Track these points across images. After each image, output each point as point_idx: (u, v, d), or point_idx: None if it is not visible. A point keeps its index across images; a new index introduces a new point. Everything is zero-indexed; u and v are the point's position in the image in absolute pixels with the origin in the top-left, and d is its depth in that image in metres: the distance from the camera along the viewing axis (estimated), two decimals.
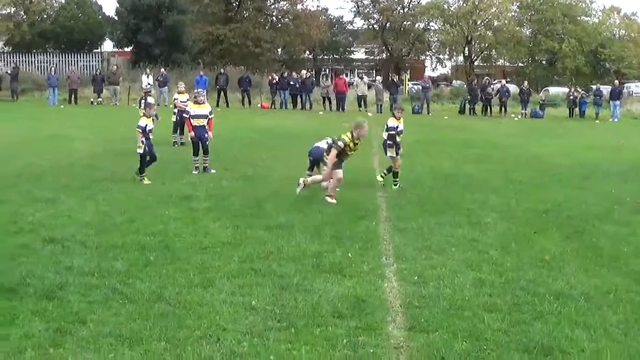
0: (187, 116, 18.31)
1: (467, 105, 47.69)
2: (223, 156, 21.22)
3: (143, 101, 18.90)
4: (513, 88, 54.81)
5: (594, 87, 52.09)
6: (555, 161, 22.35)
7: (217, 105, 44.97)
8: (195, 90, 19.35)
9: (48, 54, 59.11)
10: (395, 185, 16.41)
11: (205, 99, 18.80)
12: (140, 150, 16.29)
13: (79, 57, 57.49)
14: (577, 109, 47.51)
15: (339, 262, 10.11)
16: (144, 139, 16.31)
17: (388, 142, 16.29)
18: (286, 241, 11.20)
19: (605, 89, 50.07)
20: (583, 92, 50.96)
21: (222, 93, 46.37)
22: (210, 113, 18.54)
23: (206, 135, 18.24)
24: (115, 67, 48.84)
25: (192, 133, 18.21)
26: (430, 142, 26.57)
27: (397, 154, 16.37)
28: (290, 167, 18.97)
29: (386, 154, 16.46)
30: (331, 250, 10.75)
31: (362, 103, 46.53)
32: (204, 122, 18.25)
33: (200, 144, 18.20)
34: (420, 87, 51.37)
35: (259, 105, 47.69)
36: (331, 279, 9.34)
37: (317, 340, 7.24)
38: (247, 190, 15.59)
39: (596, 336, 7.61)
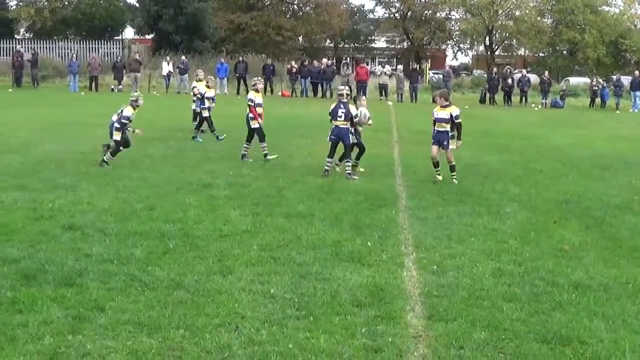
0: (252, 104, 18.25)
1: (488, 95, 47.48)
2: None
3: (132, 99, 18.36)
4: (534, 78, 54.56)
5: (614, 77, 51.69)
6: (576, 151, 22.22)
7: (238, 93, 45.01)
8: (256, 78, 19.32)
9: (69, 40, 59.34)
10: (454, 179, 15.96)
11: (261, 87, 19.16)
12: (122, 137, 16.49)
13: (99, 44, 57.54)
14: (598, 99, 47.20)
15: (358, 251, 10.10)
16: (129, 128, 16.67)
17: (450, 133, 15.89)
18: (305, 229, 11.19)
19: (626, 80, 49.70)
20: (604, 82, 50.61)
21: (241, 81, 46.36)
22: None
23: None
24: (137, 54, 48.92)
25: (258, 120, 18.18)
26: None
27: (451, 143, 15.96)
28: (311, 156, 18.97)
29: (448, 146, 15.83)
30: (350, 239, 10.74)
31: (383, 92, 46.42)
32: (261, 110, 18.52)
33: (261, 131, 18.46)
34: (441, 76, 51.19)
35: (280, 93, 47.69)
36: (350, 267, 9.33)
37: (336, 329, 7.23)
38: (267, 179, 15.59)
39: (615, 327, 7.57)
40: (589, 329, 7.45)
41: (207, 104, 22.15)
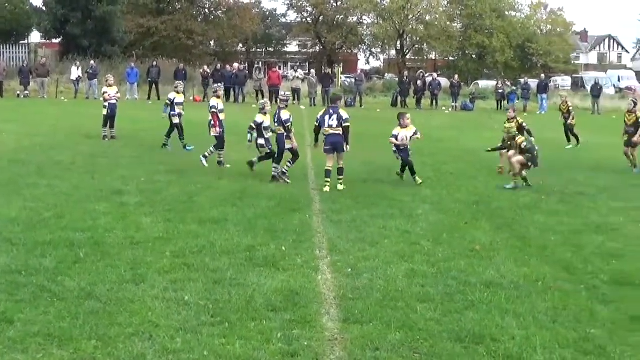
0: (216, 111, 18.39)
1: (399, 98, 48.02)
2: (155, 149, 21.02)
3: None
4: (444, 81, 55.41)
5: (522, 80, 52.98)
6: (485, 153, 22.61)
7: (149, 99, 44.48)
8: (216, 85, 19.34)
9: None
10: None
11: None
12: None
13: (4, 48, 55.91)
14: (505, 102, 48.21)
15: (273, 256, 10.09)
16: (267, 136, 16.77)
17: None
18: (219, 235, 11.13)
19: (533, 83, 50.97)
20: (510, 85, 51.78)
21: (153, 86, 45.81)
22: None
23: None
24: (44, 58, 47.84)
25: (218, 128, 18.35)
26: (362, 135, 26.66)
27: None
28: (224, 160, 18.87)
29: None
30: (265, 244, 10.72)
31: (296, 96, 46.52)
32: (223, 116, 18.74)
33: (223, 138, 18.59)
34: (353, 80, 51.55)
35: (192, 98, 47.30)
36: (265, 272, 9.30)
37: (252, 334, 7.21)
38: (180, 185, 15.45)
39: (526, 324, 7.75)
40: (501, 327, 7.60)
41: (177, 110, 21.64)
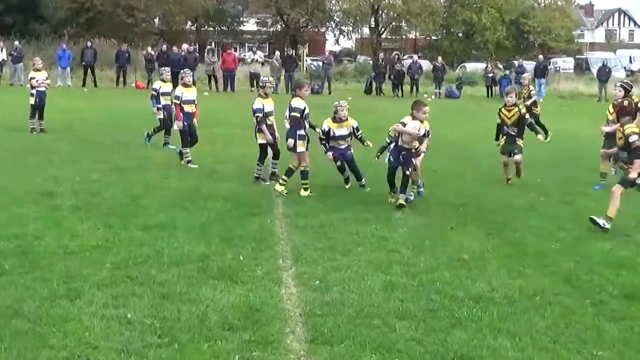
0: (178, 101, 18.26)
1: (374, 84, 48.15)
2: (92, 144, 20.92)
3: None
4: (426, 64, 55.68)
5: (516, 63, 53.22)
6: (474, 147, 22.79)
7: (84, 85, 44.25)
8: (183, 71, 19.14)
9: None
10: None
11: (191, 80, 19.14)
12: None
13: None
14: (496, 88, 48.46)
15: (229, 266, 10.09)
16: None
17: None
18: (167, 243, 11.11)
19: (530, 65, 51.19)
20: (503, 68, 52.06)
21: (88, 71, 45.55)
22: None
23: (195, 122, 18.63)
24: None
25: (181, 123, 18.19)
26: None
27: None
28: (172, 157, 18.83)
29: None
30: (220, 253, 10.72)
31: (255, 82, 46.46)
32: (193, 108, 18.52)
33: (190, 133, 18.37)
34: (320, 64, 51.61)
35: (134, 84, 47.11)
36: (220, 285, 9.30)
37: (205, 357, 7.21)
38: (121, 185, 15.40)
39: (522, 344, 7.79)
40: (492, 348, 7.64)
41: (163, 101, 21.10)
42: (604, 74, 47.72)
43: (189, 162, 18.10)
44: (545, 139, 22.10)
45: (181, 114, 18.20)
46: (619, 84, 17.27)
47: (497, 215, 13.75)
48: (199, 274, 9.77)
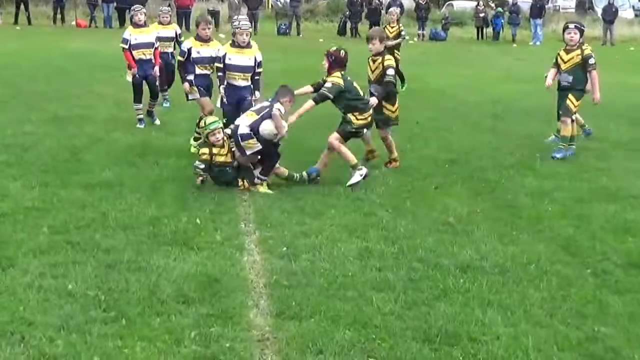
0: (126, 46, 17.16)
1: (349, 24, 48.02)
2: (25, 91, 20.75)
3: None
4: (407, 2, 55.45)
5: (510, 1, 53.19)
6: (462, 96, 22.82)
7: (16, 23, 43.83)
8: (133, 8, 17.94)
9: None
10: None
11: (143, 19, 17.73)
12: None
13: None
14: (488, 29, 48.48)
15: (184, 231, 10.09)
16: None
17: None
18: (113, 204, 11.09)
19: (525, 4, 51.18)
20: (495, 7, 52.01)
21: (21, 6, 45.11)
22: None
23: (152, 72, 17.55)
24: None
25: (134, 70, 17.19)
26: (300, 72, 26.59)
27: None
28: (117, 106, 18.73)
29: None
30: (173, 215, 10.71)
31: (214, 21, 46.16)
32: (149, 53, 17.41)
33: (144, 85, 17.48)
34: (287, 1, 51.33)
35: (74, 23, 46.72)
36: (174, 252, 9.30)
37: (157, 334, 7.20)
38: (59, 138, 15.31)
39: (514, 319, 7.83)
40: (482, 323, 7.67)
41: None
42: (610, 13, 47.80)
43: (139, 120, 17.35)
44: (402, 88, 22.21)
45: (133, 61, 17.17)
46: (572, 25, 15.77)
47: (487, 174, 13.76)
48: (149, 239, 9.75)
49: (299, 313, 7.74)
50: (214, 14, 46.24)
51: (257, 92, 14.29)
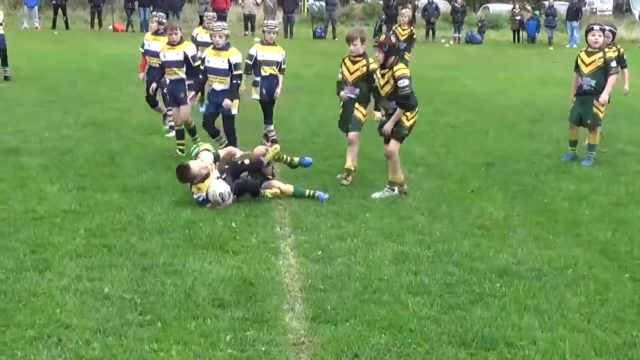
0: (142, 50, 17.09)
1: (384, 27, 47.94)
2: (63, 95, 20.86)
3: None
4: (443, 5, 55.33)
5: (546, 3, 52.93)
6: (498, 100, 22.70)
7: (54, 27, 44.10)
8: (151, 14, 18.38)
9: None
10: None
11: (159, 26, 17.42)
12: None
13: None
14: (524, 33, 48.27)
15: (220, 234, 10.10)
16: None
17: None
18: (149, 207, 11.12)
19: (562, 7, 50.90)
20: (531, 9, 51.78)
21: (59, 10, 45.39)
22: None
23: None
24: None
25: (142, 75, 17.11)
26: (335, 76, 26.63)
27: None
28: (156, 112, 18.77)
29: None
30: (209, 219, 10.73)
31: (249, 25, 46.28)
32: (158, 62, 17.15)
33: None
34: (323, 4, 51.31)
35: (111, 27, 46.96)
36: (209, 256, 9.31)
37: (192, 338, 7.21)
38: (96, 142, 15.38)
39: (551, 324, 7.79)
40: (518, 328, 7.64)
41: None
42: None
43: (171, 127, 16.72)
44: None
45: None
46: (597, 27, 15.35)
47: (523, 177, 13.71)
48: (185, 242, 9.77)
49: (335, 317, 7.73)
50: (250, 18, 46.30)
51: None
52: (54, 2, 45.56)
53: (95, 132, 16.36)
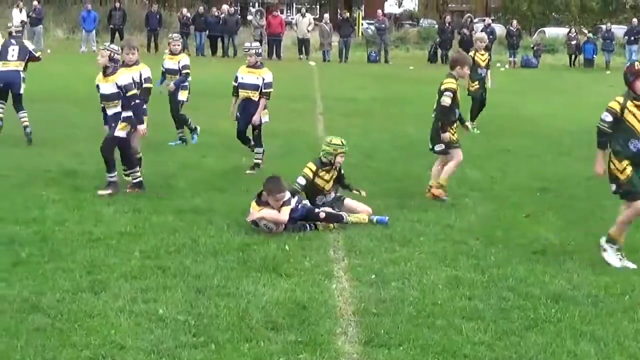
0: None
1: (439, 52, 47.90)
2: None
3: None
4: (499, 29, 55.21)
5: (603, 27, 52.57)
6: (554, 124, 22.58)
7: None
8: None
9: None
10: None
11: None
12: None
13: None
14: (581, 56, 47.99)
15: (273, 257, 10.12)
16: None
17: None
18: (203, 230, 11.17)
19: (620, 30, 50.50)
20: (588, 33, 51.49)
21: (116, 34, 45.85)
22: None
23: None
24: None
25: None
26: (390, 100, 26.67)
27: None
28: (208, 132, 18.86)
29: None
30: (263, 242, 10.76)
31: (304, 49, 46.45)
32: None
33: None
34: (375, 28, 51.41)
35: (167, 51, 47.29)
36: (263, 279, 9.33)
37: None
38: (152, 163, 15.45)
39: (607, 351, 7.71)
40: (574, 354, 7.59)
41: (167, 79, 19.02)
42: None
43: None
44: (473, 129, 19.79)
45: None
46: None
47: (580, 202, 13.63)
48: (239, 265, 9.81)
49: (388, 341, 7.72)
50: (304, 42, 46.46)
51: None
52: (111, 26, 46.07)
53: (151, 154, 16.42)
